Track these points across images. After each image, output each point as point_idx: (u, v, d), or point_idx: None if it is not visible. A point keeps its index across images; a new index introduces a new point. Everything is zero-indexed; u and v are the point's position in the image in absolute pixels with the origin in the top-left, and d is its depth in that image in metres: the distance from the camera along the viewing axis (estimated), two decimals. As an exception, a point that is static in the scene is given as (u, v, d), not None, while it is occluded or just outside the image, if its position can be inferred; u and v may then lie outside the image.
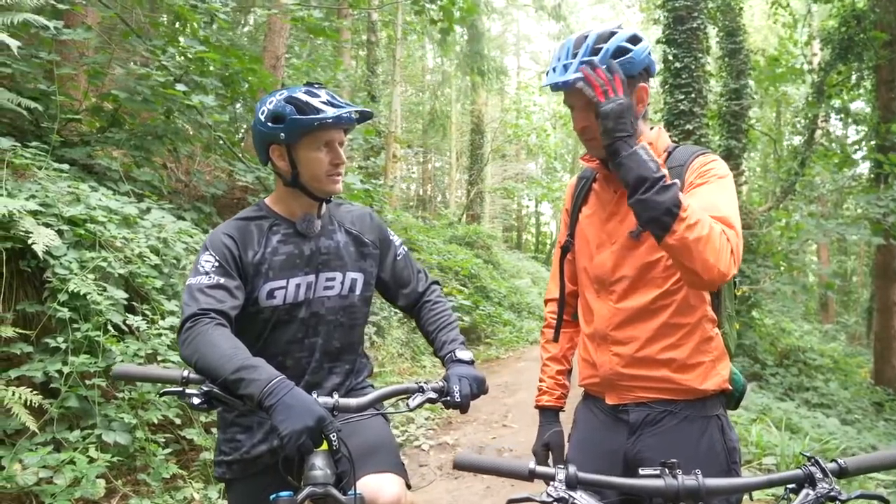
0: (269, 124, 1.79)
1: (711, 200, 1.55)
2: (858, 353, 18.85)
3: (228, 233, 1.83)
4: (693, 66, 11.56)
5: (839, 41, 12.53)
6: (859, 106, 16.26)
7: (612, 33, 1.66)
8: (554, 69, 1.68)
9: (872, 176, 13.19)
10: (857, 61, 12.79)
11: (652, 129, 1.80)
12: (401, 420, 5.99)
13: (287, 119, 1.77)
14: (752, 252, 12.54)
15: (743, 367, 11.76)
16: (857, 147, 14.85)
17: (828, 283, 18.80)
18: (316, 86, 1.85)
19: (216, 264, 1.75)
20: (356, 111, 1.85)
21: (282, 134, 1.78)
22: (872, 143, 13.18)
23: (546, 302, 2.06)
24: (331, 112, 1.78)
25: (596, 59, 1.59)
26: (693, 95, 11.53)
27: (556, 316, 2.00)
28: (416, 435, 5.86)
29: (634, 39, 1.66)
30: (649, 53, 1.68)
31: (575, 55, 1.64)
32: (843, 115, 14.29)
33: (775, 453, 5.21)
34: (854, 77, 13.44)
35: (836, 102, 13.97)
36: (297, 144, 1.81)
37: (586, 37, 1.66)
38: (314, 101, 1.79)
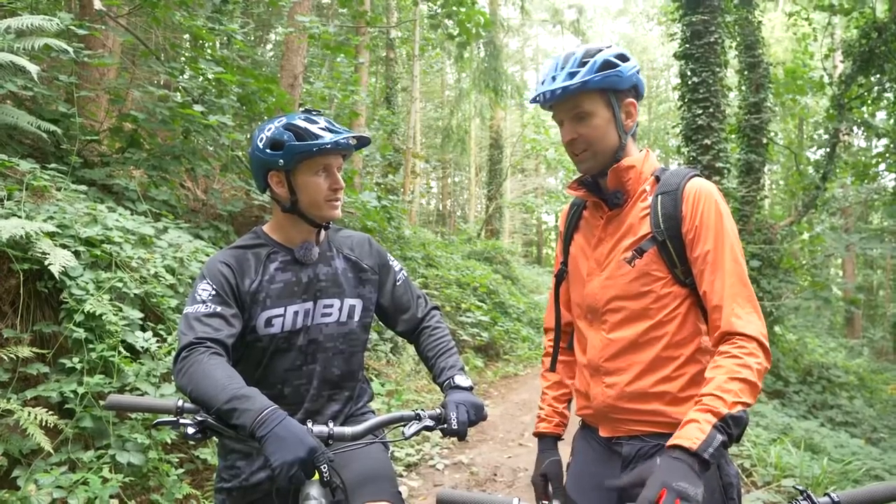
0: (268, 151, 1.81)
1: (728, 275, 1.56)
2: (885, 368, 18.43)
3: (225, 261, 1.85)
4: (711, 81, 11.45)
5: (860, 53, 12.37)
6: (883, 118, 16.04)
7: (600, 49, 1.67)
8: (542, 82, 1.67)
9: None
10: (878, 73, 12.62)
11: (641, 150, 1.76)
12: (416, 439, 5.94)
13: (286, 145, 1.79)
14: (774, 267, 12.35)
15: (765, 384, 11.55)
16: (879, 160, 14.63)
17: (852, 299, 18.43)
18: (314, 112, 1.88)
19: (213, 293, 1.77)
20: (354, 137, 1.87)
21: (280, 160, 1.80)
22: (896, 155, 13.01)
23: (545, 331, 2.03)
24: (329, 137, 1.80)
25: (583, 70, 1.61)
26: (711, 110, 11.41)
27: (553, 346, 1.98)
28: (430, 454, 5.81)
29: (622, 57, 1.66)
30: (637, 72, 1.69)
31: (563, 68, 1.64)
32: (864, 128, 14.07)
33: (795, 474, 5.10)
34: (875, 89, 13.26)
35: (857, 116, 13.78)
36: (296, 170, 1.83)
37: (574, 53, 1.67)
38: (312, 128, 1.81)
